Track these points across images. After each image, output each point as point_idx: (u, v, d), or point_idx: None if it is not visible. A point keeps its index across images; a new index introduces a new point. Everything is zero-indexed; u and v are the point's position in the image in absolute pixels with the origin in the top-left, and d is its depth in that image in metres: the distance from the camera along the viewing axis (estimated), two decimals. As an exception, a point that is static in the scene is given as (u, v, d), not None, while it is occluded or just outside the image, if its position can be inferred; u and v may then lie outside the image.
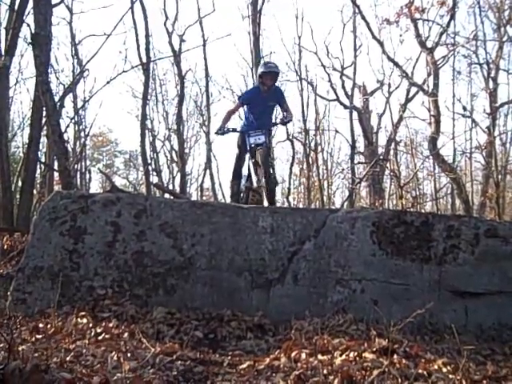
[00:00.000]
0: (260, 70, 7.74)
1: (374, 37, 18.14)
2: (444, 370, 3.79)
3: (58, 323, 4.56)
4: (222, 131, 7.60)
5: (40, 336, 4.22)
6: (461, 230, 5.41)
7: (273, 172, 7.60)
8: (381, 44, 18.24)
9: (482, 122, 17.52)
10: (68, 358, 3.51)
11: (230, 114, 8.04)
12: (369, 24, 17.87)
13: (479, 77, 18.75)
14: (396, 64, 18.83)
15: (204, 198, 28.50)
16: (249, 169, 7.94)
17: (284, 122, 8.01)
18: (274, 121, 8.27)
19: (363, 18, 18.01)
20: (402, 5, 17.21)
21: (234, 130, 7.80)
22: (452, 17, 16.48)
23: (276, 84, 8.00)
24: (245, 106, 8.00)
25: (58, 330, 4.40)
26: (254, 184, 7.64)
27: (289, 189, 24.78)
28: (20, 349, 3.51)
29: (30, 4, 11.76)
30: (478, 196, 18.92)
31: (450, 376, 3.58)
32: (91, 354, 3.72)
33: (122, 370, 3.28)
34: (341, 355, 4.05)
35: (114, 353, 3.75)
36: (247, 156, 7.92)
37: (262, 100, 7.65)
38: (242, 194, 8.10)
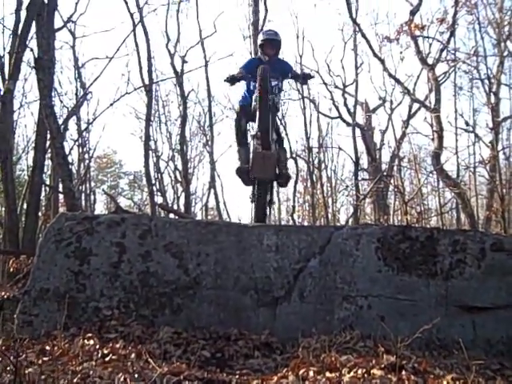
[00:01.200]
0: (259, 38, 7.15)
1: (374, 54, 18.25)
2: (453, 385, 3.77)
3: (65, 345, 4.55)
4: (231, 78, 6.71)
5: (47, 358, 4.20)
6: (466, 245, 5.40)
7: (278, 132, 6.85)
8: (382, 61, 18.34)
9: (485, 137, 17.61)
10: (75, 380, 3.51)
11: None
12: (369, 42, 17.99)
13: (481, 92, 18.84)
14: (397, 81, 18.90)
15: (209, 217, 28.51)
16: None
17: (305, 78, 7.17)
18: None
19: (364, 36, 18.11)
20: (401, 22, 17.33)
21: (246, 78, 6.92)
22: (452, 33, 16.59)
23: (279, 57, 7.31)
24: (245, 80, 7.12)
25: (65, 352, 4.39)
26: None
27: (293, 207, 24.79)
28: (26, 372, 3.51)
29: (33, 29, 11.89)
30: (483, 210, 18.87)
31: (460, 391, 3.57)
32: (98, 376, 3.71)
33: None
34: (349, 372, 4.03)
35: (120, 374, 3.74)
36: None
37: None
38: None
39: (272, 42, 6.88)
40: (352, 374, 3.98)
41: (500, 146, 17.13)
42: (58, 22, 15.46)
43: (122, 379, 3.63)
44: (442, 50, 16.95)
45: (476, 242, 5.42)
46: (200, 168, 29.49)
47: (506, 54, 16.46)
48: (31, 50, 13.21)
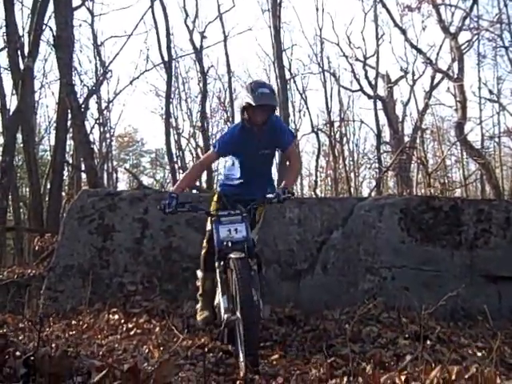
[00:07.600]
0: (244, 94, 4.25)
1: (396, 24, 17.94)
2: (478, 354, 3.74)
3: (90, 320, 4.62)
4: (169, 207, 4.02)
5: (73, 332, 4.27)
6: (491, 214, 5.33)
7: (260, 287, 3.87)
8: (403, 31, 18.03)
9: (510, 106, 17.29)
10: (101, 353, 3.54)
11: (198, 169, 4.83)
12: (390, 12, 17.67)
13: (505, 60, 18.39)
14: (419, 51, 18.56)
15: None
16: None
17: (281, 199, 4.09)
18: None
19: (384, 6, 17.82)
20: (423, -10, 16.93)
21: (193, 209, 4.21)
22: (475, 0, 16.20)
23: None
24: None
25: (91, 327, 4.45)
26: (222, 311, 3.79)
27: (316, 181, 24.66)
28: (53, 345, 3.56)
29: (51, 8, 11.87)
30: (509, 181, 18.63)
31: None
32: (123, 349, 3.75)
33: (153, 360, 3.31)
34: (373, 343, 4.02)
35: (145, 347, 3.78)
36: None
37: (252, 145, 4.33)
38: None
39: (264, 108, 4.18)
40: (376, 344, 3.98)
41: (525, 114, 16.80)
42: (76, 0, 15.34)
43: (146, 351, 3.66)
44: (464, 18, 16.52)
45: (501, 212, 5.35)
46: (221, 144, 29.27)
47: (530, 20, 16.05)
48: (50, 28, 13.23)
